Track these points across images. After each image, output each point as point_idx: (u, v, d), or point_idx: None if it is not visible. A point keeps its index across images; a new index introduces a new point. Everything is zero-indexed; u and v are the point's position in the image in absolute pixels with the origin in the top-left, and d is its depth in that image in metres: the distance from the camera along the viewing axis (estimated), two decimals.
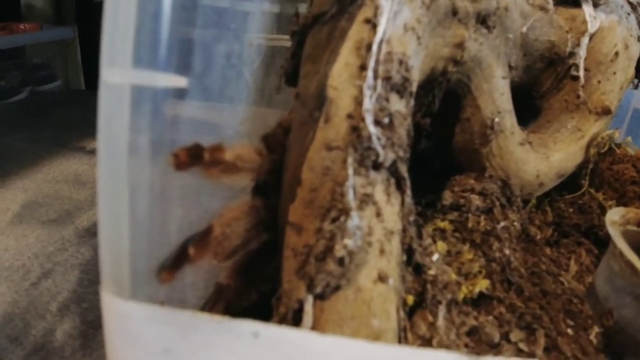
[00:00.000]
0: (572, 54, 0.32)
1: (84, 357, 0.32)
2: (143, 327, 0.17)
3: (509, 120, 0.27)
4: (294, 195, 0.20)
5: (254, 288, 0.24)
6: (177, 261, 0.17)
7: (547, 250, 0.29)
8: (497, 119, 0.26)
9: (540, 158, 0.28)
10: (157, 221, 0.17)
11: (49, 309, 0.37)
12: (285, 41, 0.25)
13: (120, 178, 0.16)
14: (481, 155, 0.27)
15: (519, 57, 0.30)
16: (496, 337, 0.22)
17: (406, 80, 0.20)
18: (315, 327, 0.18)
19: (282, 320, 0.18)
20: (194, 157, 0.16)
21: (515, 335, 0.23)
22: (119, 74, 0.14)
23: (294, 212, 0.20)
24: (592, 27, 0.33)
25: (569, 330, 0.25)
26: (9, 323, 0.35)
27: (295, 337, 0.16)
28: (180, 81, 0.15)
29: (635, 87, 0.41)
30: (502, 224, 0.26)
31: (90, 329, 0.34)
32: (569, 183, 0.32)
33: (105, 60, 0.15)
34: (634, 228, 0.29)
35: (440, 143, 0.29)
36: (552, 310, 0.26)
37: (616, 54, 0.33)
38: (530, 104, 0.33)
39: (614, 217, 0.27)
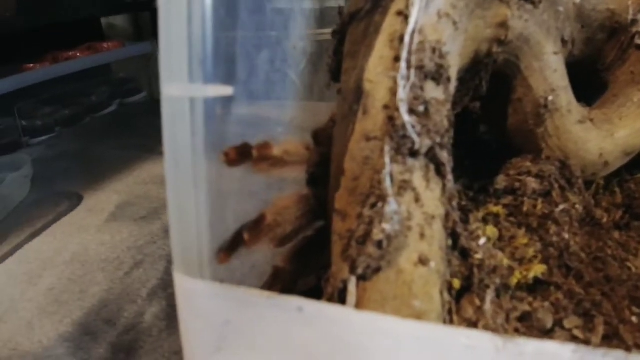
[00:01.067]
0: (634, 22, 0.30)
1: (169, 335, 0.37)
2: (207, 302, 0.19)
3: (565, 97, 0.26)
4: (339, 184, 0.22)
5: (314, 273, 0.27)
6: (233, 245, 0.19)
7: (615, 234, 0.27)
8: (550, 97, 0.25)
9: (604, 136, 0.27)
10: (217, 211, 0.20)
11: (140, 294, 0.42)
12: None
13: (184, 176, 0.19)
14: (537, 137, 0.26)
15: (575, 30, 0.29)
16: (549, 323, 0.22)
17: (441, 67, 0.21)
18: (358, 305, 0.19)
19: (329, 299, 0.20)
20: (243, 155, 0.19)
21: (570, 322, 0.22)
22: (176, 88, 0.17)
23: (339, 199, 0.22)
24: None
25: (634, 319, 0.24)
26: (105, 308, 0.41)
27: (335, 312, 0.18)
28: (227, 90, 0.17)
29: None
30: (562, 207, 0.25)
31: (175, 311, 0.39)
32: (637, 162, 0.30)
33: (164, 76, 0.18)
34: None
35: (494, 126, 0.29)
36: (616, 297, 0.25)
37: None
38: (596, 78, 0.32)
39: None
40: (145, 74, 1.12)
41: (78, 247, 0.50)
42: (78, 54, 0.96)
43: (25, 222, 0.55)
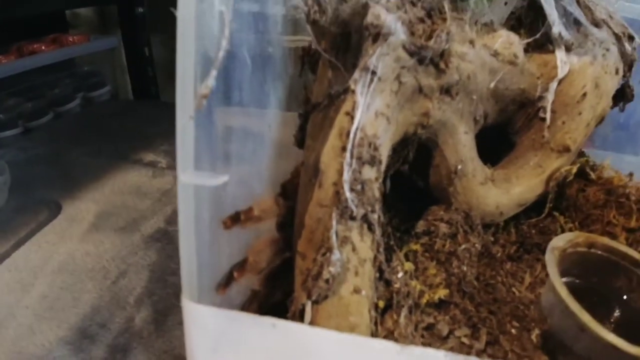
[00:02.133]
0: (540, 98, 0.42)
1: (157, 337, 0.47)
2: (207, 320, 0.30)
3: (471, 165, 0.38)
4: (300, 233, 0.33)
5: (281, 290, 0.38)
6: (227, 281, 0.30)
7: (508, 265, 0.40)
8: (460, 166, 0.37)
9: (502, 192, 0.39)
10: (214, 254, 0.31)
11: (128, 301, 0.53)
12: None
13: (191, 234, 0.30)
14: (449, 193, 0.38)
15: (489, 106, 0.41)
16: (445, 332, 0.34)
17: (374, 157, 0.32)
18: (313, 321, 0.31)
19: (292, 317, 0.32)
20: (235, 220, 0.30)
21: (460, 331, 0.35)
22: (191, 177, 0.28)
23: (301, 245, 0.33)
24: (561, 73, 0.42)
25: (513, 330, 0.37)
26: (98, 313, 0.52)
27: (297, 327, 0.29)
28: (224, 178, 0.28)
29: (622, 110, 0.51)
30: (464, 246, 0.38)
31: (161, 316, 0.50)
32: (537, 208, 0.43)
33: (180, 166, 0.29)
34: (583, 249, 0.40)
35: (421, 181, 0.41)
36: (500, 314, 0.37)
37: (584, 95, 0.43)
38: (506, 140, 0.44)
39: (559, 243, 0.38)
40: (109, 68, 1.18)
41: (64, 257, 0.59)
42: (43, 47, 1.02)
43: (8, 230, 0.64)
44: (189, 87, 0.28)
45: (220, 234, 0.31)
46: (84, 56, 1.17)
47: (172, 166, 0.76)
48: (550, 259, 0.36)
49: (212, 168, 0.28)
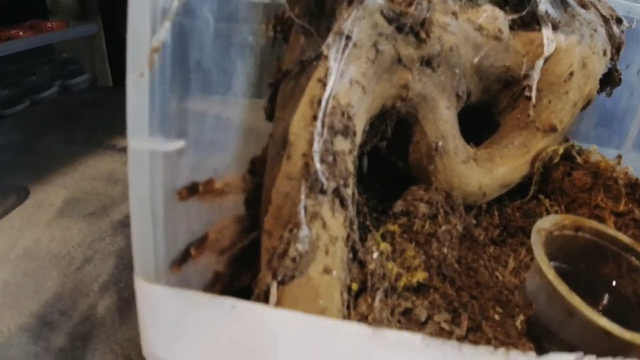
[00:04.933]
0: (526, 76, 0.40)
1: (120, 325, 0.44)
2: (162, 301, 0.27)
3: (452, 142, 0.36)
4: (267, 210, 0.30)
5: (248, 273, 0.35)
6: (183, 258, 0.27)
7: (491, 249, 0.38)
8: (440, 143, 0.35)
9: (484, 172, 0.37)
10: (171, 231, 0.28)
11: (92, 288, 0.49)
12: None
13: (145, 207, 0.27)
14: (429, 172, 0.36)
15: (473, 83, 0.39)
16: (423, 317, 0.32)
17: (347, 126, 0.29)
18: (278, 303, 0.28)
19: (257, 298, 0.29)
20: (192, 191, 0.27)
21: (440, 316, 0.32)
22: (142, 142, 0.25)
23: (267, 222, 0.30)
24: (548, 51, 0.40)
25: (496, 316, 0.35)
26: (60, 301, 0.48)
27: (258, 308, 0.26)
28: (180, 144, 0.25)
29: (609, 95, 0.49)
30: (444, 227, 0.35)
31: (125, 304, 0.47)
32: (522, 189, 0.40)
33: (130, 132, 0.26)
34: (570, 232, 0.38)
35: (401, 160, 0.38)
36: (483, 299, 0.35)
37: (571, 74, 0.40)
38: (490, 120, 0.42)
39: (544, 225, 0.35)
40: (88, 55, 1.14)
41: (29, 243, 0.56)
42: (21, 33, 0.98)
43: None
44: (141, 42, 0.25)
45: (178, 208, 0.28)
46: (63, 43, 1.13)
47: None
48: (536, 240, 0.33)
49: (167, 134, 0.25)
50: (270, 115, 0.34)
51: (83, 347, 0.43)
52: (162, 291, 0.28)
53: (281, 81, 0.32)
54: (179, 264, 0.27)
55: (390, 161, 0.41)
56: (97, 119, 0.86)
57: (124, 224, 0.57)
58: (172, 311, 0.28)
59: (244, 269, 0.34)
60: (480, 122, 0.41)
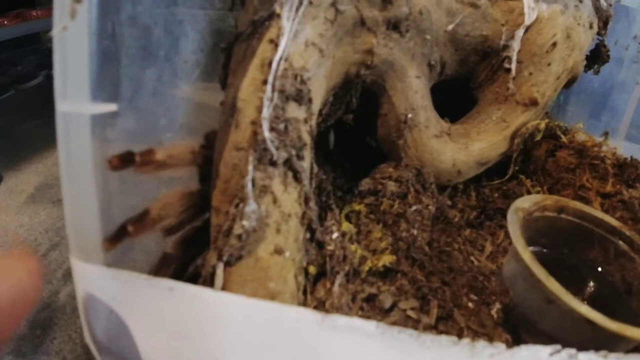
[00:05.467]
0: (505, 47, 0.37)
1: None
2: (97, 282, 0.25)
3: (423, 115, 0.32)
4: (215, 184, 0.27)
5: (202, 256, 0.32)
6: (117, 236, 0.24)
7: (467, 232, 0.34)
8: (410, 115, 0.32)
9: (459, 148, 0.34)
10: (105, 205, 0.25)
11: (55, 275, 0.47)
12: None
13: (77, 178, 0.24)
14: (398, 147, 0.33)
15: (447, 53, 0.36)
16: (387, 304, 0.29)
17: (300, 90, 0.26)
18: (225, 287, 0.25)
19: (203, 282, 0.26)
20: (126, 161, 0.24)
21: (405, 303, 0.29)
22: (70, 104, 0.22)
23: (215, 198, 0.27)
24: (528, 20, 0.37)
25: (470, 304, 0.31)
26: None
27: (199, 291, 0.23)
28: (112, 107, 0.22)
29: (597, 73, 0.45)
30: (415, 207, 0.32)
31: None
32: (501, 170, 0.37)
33: (58, 95, 0.23)
34: (552, 214, 0.35)
35: (370, 136, 0.35)
36: (456, 285, 0.32)
37: (554, 44, 0.37)
38: (467, 95, 0.38)
39: (523, 204, 0.32)
40: None
41: None
42: (6, 22, 0.95)
43: None
44: None
45: (113, 179, 0.25)
46: (48, 32, 1.10)
47: None
48: (513, 220, 0.30)
49: (97, 96, 0.22)
50: (224, 83, 0.30)
51: (42, 335, 0.40)
52: (97, 271, 0.25)
53: (234, 45, 0.29)
54: (113, 241, 0.24)
55: (361, 138, 0.38)
56: None
57: None
58: (109, 293, 0.25)
59: (198, 251, 0.31)
60: (456, 100, 0.38)
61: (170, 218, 0.28)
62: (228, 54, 0.30)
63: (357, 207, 0.32)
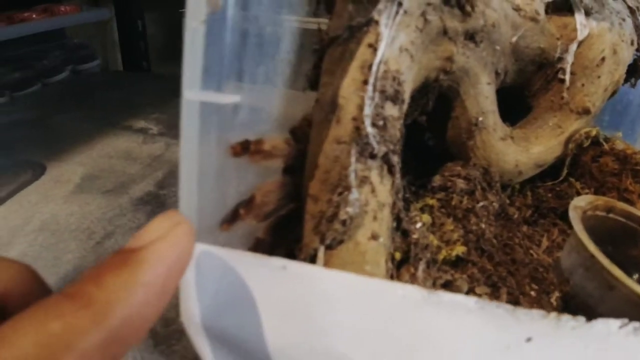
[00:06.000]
0: (560, 59, 0.40)
1: None
2: (208, 261, 0.26)
3: (492, 118, 0.35)
4: (313, 175, 0.29)
5: (284, 242, 0.34)
6: (232, 218, 0.26)
7: (524, 228, 0.37)
8: (480, 118, 0.34)
9: (520, 150, 0.36)
10: (219, 191, 0.27)
11: None
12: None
13: (194, 165, 0.26)
14: (467, 147, 0.35)
15: (509, 63, 0.38)
16: (464, 289, 0.31)
17: (398, 92, 0.29)
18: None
19: None
20: (244, 148, 0.26)
21: (481, 289, 0.31)
22: (198, 93, 0.24)
23: (313, 187, 0.29)
24: (581, 35, 0.40)
25: (532, 293, 0.34)
26: (80, 273, 0.47)
27: (312, 269, 0.25)
28: (236, 98, 0.24)
29: (633, 86, 0.48)
30: (481, 203, 0.35)
31: None
32: (552, 172, 0.40)
33: (185, 84, 0.25)
34: (602, 214, 0.37)
35: (437, 136, 0.37)
36: (519, 275, 0.34)
37: (602, 59, 0.40)
38: (523, 102, 0.41)
39: (580, 203, 0.35)
40: (101, 41, 1.13)
41: (47, 216, 0.54)
42: (34, 16, 0.96)
43: None
44: None
45: (229, 165, 0.27)
46: (75, 28, 1.11)
47: (163, 133, 0.71)
48: (574, 216, 0.33)
49: (222, 87, 0.24)
50: (313, 83, 0.33)
51: None
52: (207, 250, 0.27)
53: (328, 47, 0.31)
54: (230, 223, 0.26)
55: (420, 139, 0.40)
56: (111, 100, 0.85)
57: (145, 201, 0.56)
58: (218, 271, 0.27)
59: (281, 237, 0.33)
60: (509, 105, 0.41)
61: (269, 204, 0.30)
62: (320, 55, 0.32)
63: (430, 201, 0.34)
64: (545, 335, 0.23)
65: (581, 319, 0.23)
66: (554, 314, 0.23)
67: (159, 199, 0.56)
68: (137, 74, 1.08)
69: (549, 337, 0.23)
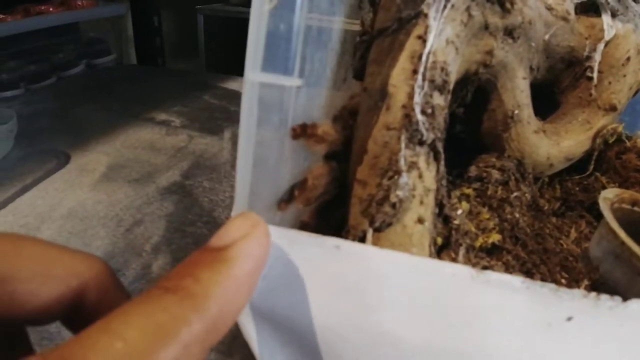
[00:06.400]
0: (588, 58, 0.41)
1: None
2: None
3: (527, 112, 0.36)
4: (361, 160, 0.30)
5: (328, 227, 0.35)
6: (289, 197, 0.27)
7: (553, 219, 0.38)
8: (516, 111, 0.35)
9: (552, 144, 0.38)
10: (275, 172, 0.28)
11: (144, 249, 0.49)
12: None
13: (251, 146, 0.27)
14: (502, 139, 0.36)
15: (541, 60, 0.40)
16: None
17: (445, 82, 0.30)
18: None
19: None
20: (303, 131, 0.27)
21: (517, 275, 0.33)
22: (256, 75, 0.25)
23: (361, 172, 0.30)
24: (608, 35, 0.41)
25: (563, 280, 0.35)
26: (111, 259, 0.47)
27: (364, 249, 0.26)
28: (298, 82, 0.25)
29: None
30: (515, 194, 0.36)
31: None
32: (579, 167, 0.41)
33: (248, 65, 0.26)
34: (627, 206, 0.38)
35: (472, 127, 0.39)
36: (550, 264, 0.35)
37: (628, 59, 0.41)
38: (552, 98, 0.42)
39: (608, 195, 0.36)
40: (115, 36, 1.13)
41: (74, 204, 0.55)
42: (50, 9, 0.96)
43: (13, 177, 0.59)
44: None
45: (287, 146, 0.28)
46: (90, 23, 1.12)
47: (186, 125, 0.72)
48: (605, 206, 0.34)
49: (286, 70, 0.25)
50: (358, 73, 0.34)
51: None
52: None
53: (376, 38, 0.32)
54: (287, 203, 0.27)
55: (451, 130, 0.41)
56: (130, 93, 0.86)
57: (171, 191, 0.57)
58: (275, 250, 0.27)
59: (324, 222, 0.34)
60: (541, 101, 0.42)
61: (318, 188, 0.31)
62: (367, 46, 0.33)
63: (466, 190, 0.35)
64: (585, 313, 0.24)
65: (618, 298, 0.24)
66: (593, 294, 0.25)
67: (185, 189, 0.57)
68: (153, 69, 1.09)
69: (588, 316, 0.24)
